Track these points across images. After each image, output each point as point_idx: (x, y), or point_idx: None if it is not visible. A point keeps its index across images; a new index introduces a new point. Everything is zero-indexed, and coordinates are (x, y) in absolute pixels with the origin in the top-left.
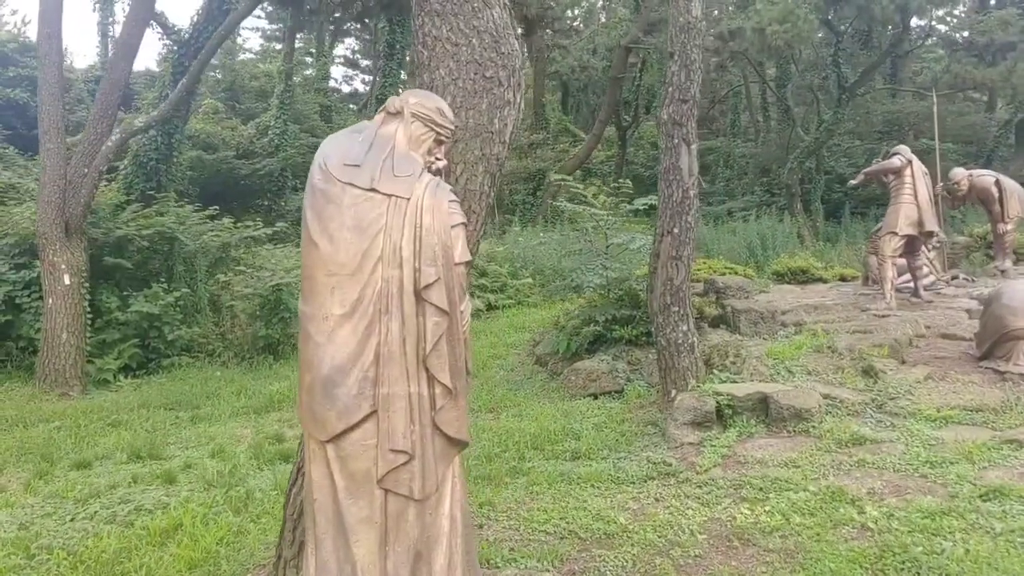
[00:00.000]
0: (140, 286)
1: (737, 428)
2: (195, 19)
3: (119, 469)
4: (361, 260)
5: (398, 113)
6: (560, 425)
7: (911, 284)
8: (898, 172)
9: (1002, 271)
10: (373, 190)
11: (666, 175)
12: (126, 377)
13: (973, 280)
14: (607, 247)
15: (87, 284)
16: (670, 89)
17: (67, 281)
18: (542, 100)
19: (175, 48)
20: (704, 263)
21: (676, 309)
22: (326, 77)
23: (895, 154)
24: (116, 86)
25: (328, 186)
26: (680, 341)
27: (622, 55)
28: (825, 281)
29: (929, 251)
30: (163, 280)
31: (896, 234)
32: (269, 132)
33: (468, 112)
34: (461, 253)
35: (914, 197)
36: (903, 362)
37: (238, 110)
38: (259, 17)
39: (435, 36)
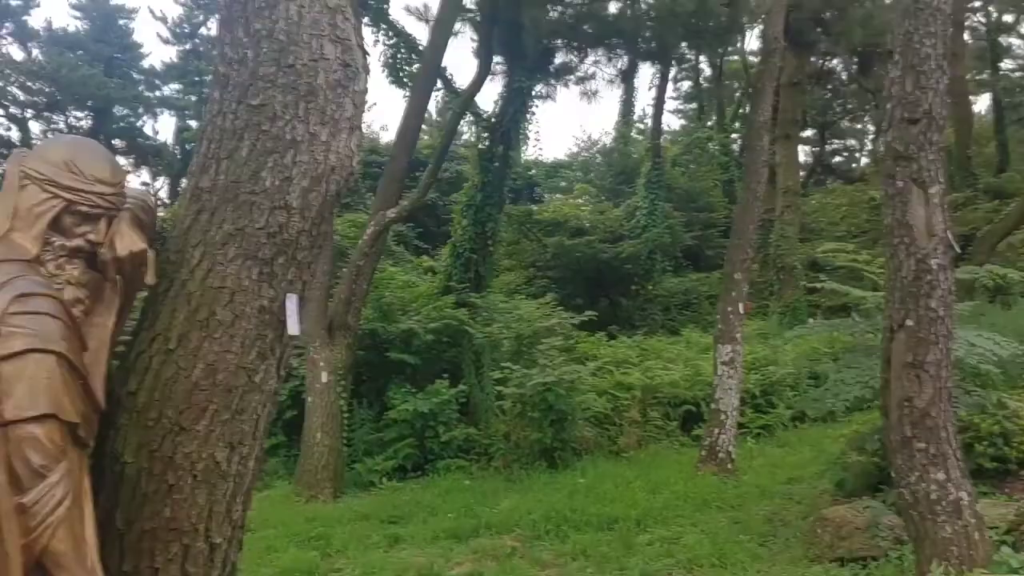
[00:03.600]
0: (432, 381)
1: None
2: (498, 103)
3: None
4: None
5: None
6: None
7: None
8: None
9: None
10: None
11: (889, 238)
12: (398, 479)
13: None
14: None
15: (343, 382)
16: (889, 106)
17: (324, 379)
18: (966, 151)
19: (485, 135)
20: None
21: (922, 446)
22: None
23: None
24: (394, 179)
25: None
26: (933, 497)
27: None
28: None
29: None
30: (445, 376)
31: None
32: (636, 213)
33: (221, 164)
34: (20, 403)
35: None
36: None
37: (623, 192)
38: (674, 98)
39: (218, 56)
